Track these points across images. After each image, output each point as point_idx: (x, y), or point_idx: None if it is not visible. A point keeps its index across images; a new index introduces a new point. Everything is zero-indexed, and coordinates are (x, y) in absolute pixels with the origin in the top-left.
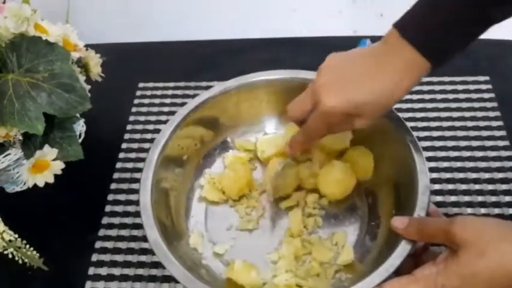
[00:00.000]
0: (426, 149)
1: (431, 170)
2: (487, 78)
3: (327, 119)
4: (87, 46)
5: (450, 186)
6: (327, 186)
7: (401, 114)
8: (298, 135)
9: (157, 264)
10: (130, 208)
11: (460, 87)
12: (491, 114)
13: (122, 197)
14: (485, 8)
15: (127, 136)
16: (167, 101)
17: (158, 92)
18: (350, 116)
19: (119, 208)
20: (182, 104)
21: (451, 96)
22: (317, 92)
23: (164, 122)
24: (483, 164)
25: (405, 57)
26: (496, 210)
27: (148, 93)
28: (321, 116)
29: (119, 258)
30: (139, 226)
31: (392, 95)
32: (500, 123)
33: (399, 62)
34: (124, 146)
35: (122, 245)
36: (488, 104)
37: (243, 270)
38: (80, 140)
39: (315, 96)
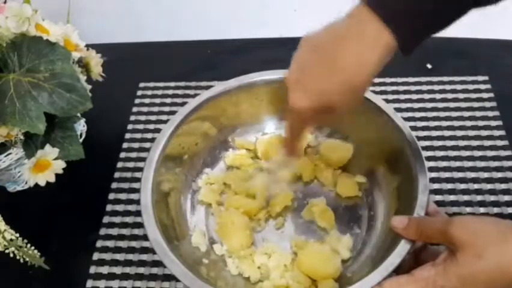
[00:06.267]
0: (425, 148)
1: (430, 169)
2: (486, 78)
3: (301, 116)
4: (88, 46)
5: (449, 186)
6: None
7: (400, 114)
8: (285, 134)
9: (158, 263)
10: (131, 207)
11: (459, 86)
12: (490, 113)
13: (123, 196)
14: None
15: (127, 135)
16: (168, 100)
17: (159, 92)
18: (325, 108)
19: (120, 207)
20: (183, 104)
21: (450, 95)
22: (288, 89)
23: (165, 122)
24: (482, 164)
25: (368, 29)
26: (495, 210)
27: (149, 92)
28: (294, 114)
29: (120, 257)
30: (139, 225)
31: (358, 74)
32: (499, 122)
33: (362, 37)
34: (125, 145)
35: (123, 243)
36: (487, 104)
37: None
38: (81, 140)
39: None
